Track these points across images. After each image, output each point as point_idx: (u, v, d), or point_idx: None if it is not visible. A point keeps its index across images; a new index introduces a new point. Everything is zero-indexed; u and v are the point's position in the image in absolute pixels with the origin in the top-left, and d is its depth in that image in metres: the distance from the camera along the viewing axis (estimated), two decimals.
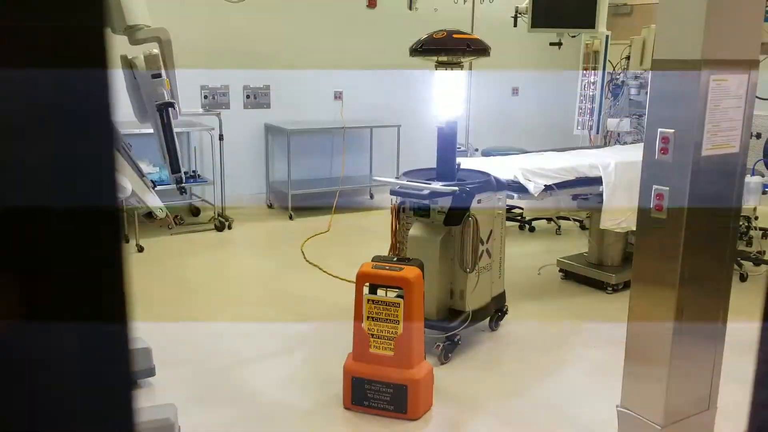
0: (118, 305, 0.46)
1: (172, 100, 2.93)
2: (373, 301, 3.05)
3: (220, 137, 6.20)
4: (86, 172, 0.44)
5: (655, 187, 2.59)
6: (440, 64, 3.59)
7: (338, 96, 7.36)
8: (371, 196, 7.61)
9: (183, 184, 3.20)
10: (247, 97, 6.94)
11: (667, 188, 2.55)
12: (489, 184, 3.73)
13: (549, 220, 6.43)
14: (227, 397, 3.24)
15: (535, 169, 4.20)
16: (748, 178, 4.85)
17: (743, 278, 4.95)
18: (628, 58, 5.91)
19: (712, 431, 2.79)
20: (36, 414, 0.45)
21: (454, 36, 3.51)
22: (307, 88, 7.15)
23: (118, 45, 2.73)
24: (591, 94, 6.10)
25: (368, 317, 3.05)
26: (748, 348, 0.82)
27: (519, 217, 6.43)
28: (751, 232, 5.48)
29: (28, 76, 0.42)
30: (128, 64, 2.93)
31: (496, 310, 3.96)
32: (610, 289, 4.68)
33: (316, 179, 7.20)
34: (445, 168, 3.69)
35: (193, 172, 6.43)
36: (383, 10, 7.36)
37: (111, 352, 0.47)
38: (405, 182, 3.67)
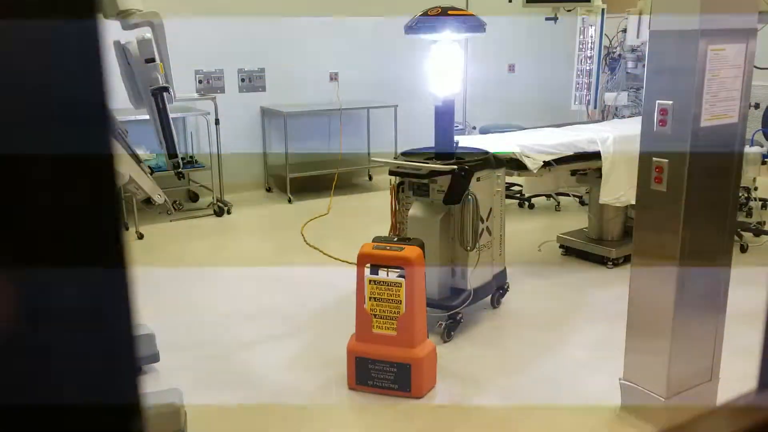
0: (116, 249, 0.45)
1: (167, 85, 2.91)
2: (374, 281, 3.06)
3: (216, 121, 6.17)
4: (77, 116, 0.43)
5: (654, 159, 2.58)
6: (436, 42, 3.57)
7: (334, 77, 7.31)
8: (370, 178, 7.59)
9: (180, 169, 3.19)
10: (242, 80, 6.90)
11: (667, 160, 2.54)
12: (488, 161, 3.72)
13: (548, 196, 6.42)
14: (232, 380, 3.25)
15: (533, 145, 4.19)
16: (748, 149, 4.84)
17: (743, 249, 4.95)
18: (624, 30, 5.87)
19: (715, 402, 2.81)
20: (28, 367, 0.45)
21: (449, 13, 3.48)
22: (302, 69, 7.10)
23: (111, 30, 2.70)
24: (588, 68, 6.06)
25: (370, 298, 3.06)
26: (750, 319, 0.82)
27: (518, 195, 6.43)
28: (751, 203, 5.47)
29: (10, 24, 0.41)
30: (121, 49, 2.91)
31: (497, 288, 3.97)
32: (611, 263, 4.68)
33: (314, 162, 7.17)
34: (444, 146, 3.68)
35: (190, 157, 6.40)
36: None
37: (112, 298, 0.46)
38: (403, 162, 3.66)
